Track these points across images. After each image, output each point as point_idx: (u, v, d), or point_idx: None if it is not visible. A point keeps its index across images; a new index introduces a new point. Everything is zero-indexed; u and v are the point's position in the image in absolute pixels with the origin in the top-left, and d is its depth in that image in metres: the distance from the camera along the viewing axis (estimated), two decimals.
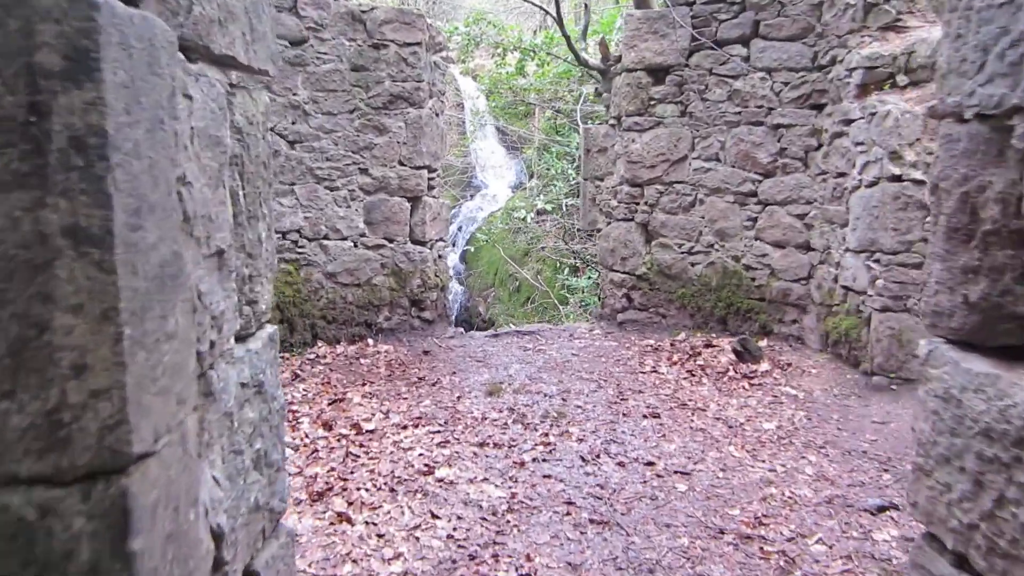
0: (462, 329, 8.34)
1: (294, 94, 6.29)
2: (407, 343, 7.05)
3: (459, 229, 20.16)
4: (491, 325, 17.92)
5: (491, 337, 7.40)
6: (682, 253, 6.80)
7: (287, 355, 6.60)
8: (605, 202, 7.25)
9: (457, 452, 4.62)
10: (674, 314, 6.96)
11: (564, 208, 15.15)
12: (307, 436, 4.95)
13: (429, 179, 6.84)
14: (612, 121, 7.21)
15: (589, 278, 13.92)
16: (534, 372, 6.29)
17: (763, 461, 4.38)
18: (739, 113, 6.42)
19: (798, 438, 4.68)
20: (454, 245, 19.84)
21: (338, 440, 4.90)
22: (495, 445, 4.76)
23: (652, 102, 6.74)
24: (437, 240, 7.07)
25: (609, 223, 7.18)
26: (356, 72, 6.43)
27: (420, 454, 4.64)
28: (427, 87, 6.70)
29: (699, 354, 6.40)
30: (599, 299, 7.58)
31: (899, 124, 4.83)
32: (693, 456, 4.51)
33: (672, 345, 6.76)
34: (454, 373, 6.27)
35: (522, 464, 4.45)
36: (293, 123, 6.34)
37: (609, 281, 7.26)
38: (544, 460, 4.53)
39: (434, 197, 6.96)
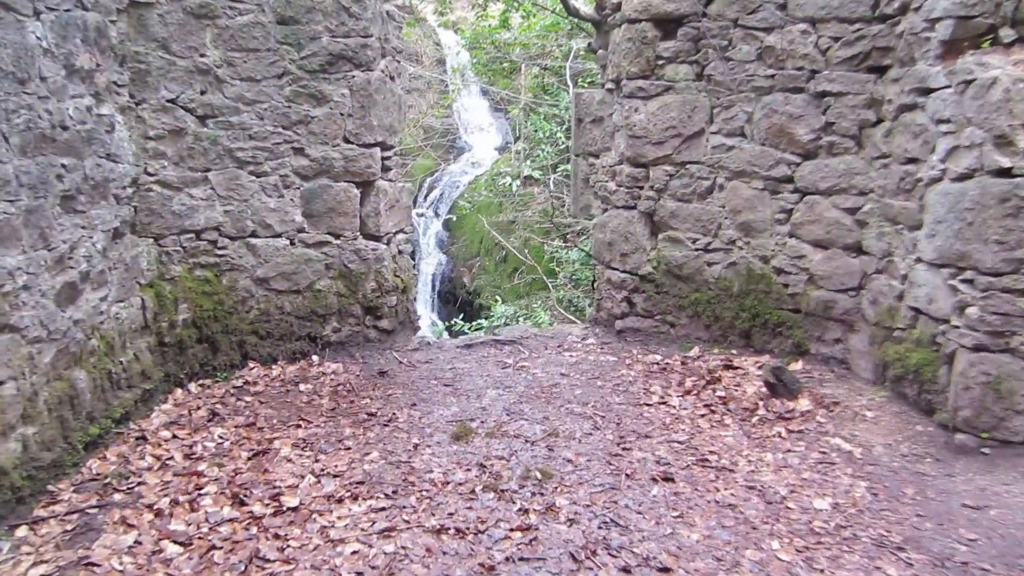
0: (428, 337, 7.00)
1: (201, 55, 4.76)
2: (360, 359, 5.68)
3: (441, 195, 18.63)
4: (476, 297, 16.58)
5: (463, 348, 6.04)
6: (696, 250, 5.42)
7: (208, 382, 5.23)
8: (601, 184, 5.82)
9: (404, 548, 3.30)
10: (685, 323, 5.60)
11: (553, 175, 13.68)
12: (207, 520, 3.62)
13: (383, 159, 5.38)
14: (609, 85, 5.74)
15: (581, 250, 12.60)
16: (514, 402, 4.96)
17: (821, 572, 3.09)
18: (772, 77, 4.95)
19: (864, 529, 3.37)
20: (436, 214, 18.33)
21: (247, 526, 3.57)
22: (457, 532, 3.43)
23: (660, 62, 5.26)
24: (396, 232, 5.64)
25: (606, 210, 5.77)
26: (284, 26, 4.91)
27: (354, 552, 3.33)
28: (378, 44, 5.20)
29: (718, 379, 5.07)
30: (595, 301, 6.22)
31: (1010, 97, 3.44)
32: (724, 558, 3.20)
33: (684, 364, 5.42)
34: (414, 405, 4.93)
35: (491, 568, 3.15)
36: (202, 93, 4.83)
37: (606, 280, 5.88)
38: (521, 558, 3.22)
39: (390, 181, 5.51)
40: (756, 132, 5.07)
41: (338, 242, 5.28)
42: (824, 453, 4.07)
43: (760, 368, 5.12)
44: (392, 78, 5.48)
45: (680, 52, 5.20)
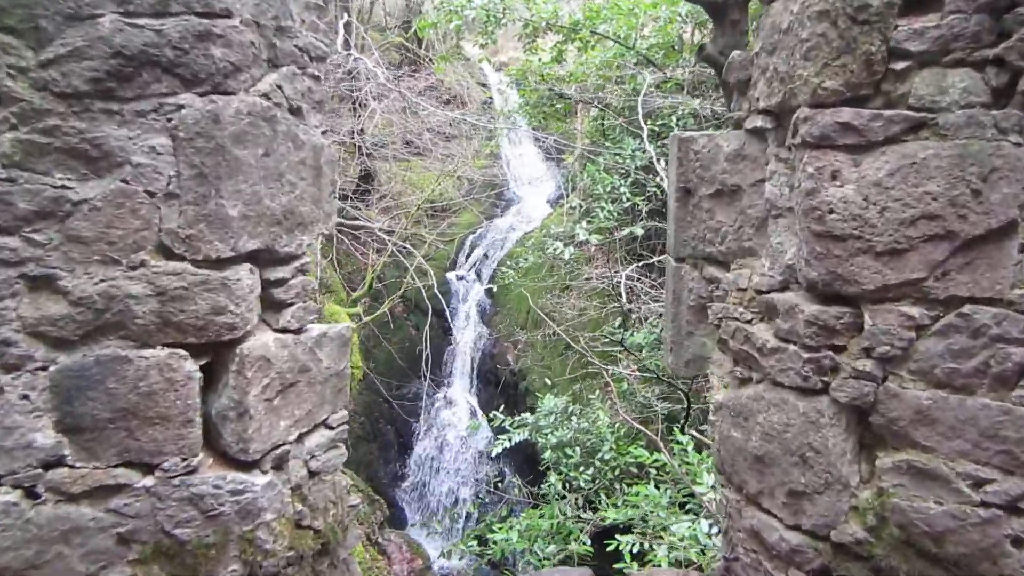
0: None
1: None
2: None
3: (485, 255, 15.61)
4: (521, 379, 13.38)
5: None
6: (982, 504, 2.20)
7: None
8: (735, 326, 2.62)
9: None
10: None
11: (615, 241, 10.49)
12: None
13: (269, 286, 2.37)
14: (758, 121, 2.56)
15: (651, 332, 9.35)
16: None
17: None
18: None
19: None
20: (478, 276, 15.31)
21: None
22: None
23: (900, 65, 2.11)
24: (298, 440, 2.52)
25: (747, 382, 2.58)
26: None
27: None
28: (251, 37, 2.22)
29: None
30: (725, 565, 2.94)
31: None
32: None
33: None
34: None
35: None
36: None
37: (751, 535, 2.64)
38: None
39: (288, 333, 2.47)
40: None
41: (149, 483, 2.24)
42: None
43: None
44: (296, 111, 2.45)
45: (954, 40, 2.04)
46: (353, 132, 12.08)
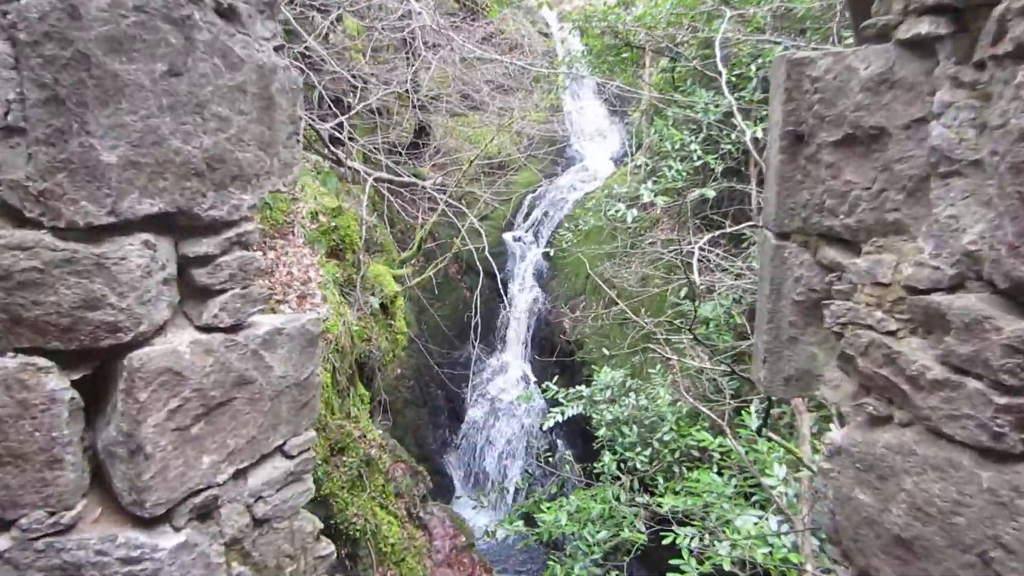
0: None
1: None
2: None
3: (544, 215, 14.70)
4: (578, 347, 12.57)
5: None
6: None
7: None
8: (870, 338, 1.74)
9: None
10: None
11: (683, 204, 9.42)
12: None
13: (193, 261, 1.64)
14: (922, 25, 1.65)
15: (722, 305, 8.45)
16: None
17: None
18: None
19: None
20: (536, 237, 14.44)
21: None
22: None
23: None
24: (230, 484, 1.82)
25: (887, 421, 1.72)
26: None
27: None
28: None
29: None
30: None
31: None
32: None
33: None
34: None
35: None
36: None
37: None
38: None
39: (225, 323, 1.75)
40: None
41: (1, 546, 1.58)
42: None
43: None
44: (228, 12, 1.67)
45: None
46: (407, 82, 11.28)
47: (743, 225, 7.15)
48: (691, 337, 7.49)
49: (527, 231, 13.82)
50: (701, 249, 7.98)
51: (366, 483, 6.59)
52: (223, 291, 1.70)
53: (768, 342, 2.07)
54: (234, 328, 1.74)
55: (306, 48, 7.75)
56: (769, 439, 5.02)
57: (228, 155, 1.66)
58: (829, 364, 1.99)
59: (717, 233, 6.92)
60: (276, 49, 1.80)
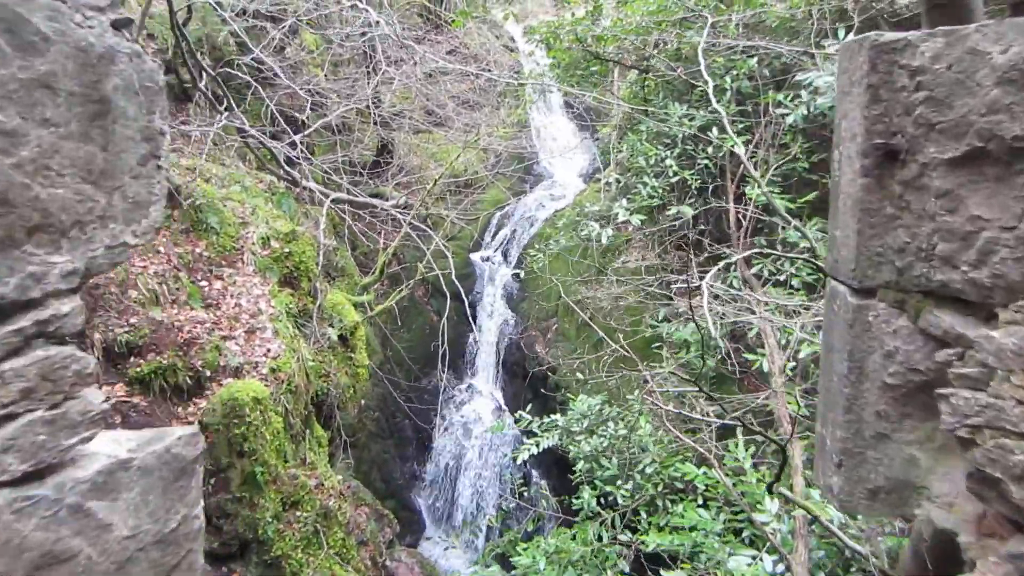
0: None
1: None
2: None
3: (512, 234, 14.08)
4: (552, 372, 11.94)
5: None
6: None
7: None
8: (1021, 452, 1.17)
9: None
10: None
11: (659, 222, 8.90)
12: None
13: None
14: None
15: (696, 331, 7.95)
16: None
17: None
18: None
19: None
20: (505, 257, 13.81)
21: None
22: None
23: None
24: None
25: None
26: None
27: None
28: None
29: None
30: None
31: None
32: None
33: None
34: None
35: None
36: None
37: None
38: None
39: (15, 470, 1.09)
40: None
41: None
42: None
43: None
44: None
45: None
46: (368, 98, 10.61)
47: (752, 250, 6.56)
48: (698, 389, 6.94)
49: (496, 251, 13.20)
50: (678, 272, 7.44)
51: (323, 539, 5.84)
52: (11, 417, 1.02)
53: (844, 439, 1.46)
54: (33, 476, 1.06)
55: (253, 60, 7.05)
56: (785, 498, 4.44)
57: (17, 193, 0.98)
58: (936, 472, 1.38)
59: (706, 257, 6.37)
60: (117, 26, 1.14)
